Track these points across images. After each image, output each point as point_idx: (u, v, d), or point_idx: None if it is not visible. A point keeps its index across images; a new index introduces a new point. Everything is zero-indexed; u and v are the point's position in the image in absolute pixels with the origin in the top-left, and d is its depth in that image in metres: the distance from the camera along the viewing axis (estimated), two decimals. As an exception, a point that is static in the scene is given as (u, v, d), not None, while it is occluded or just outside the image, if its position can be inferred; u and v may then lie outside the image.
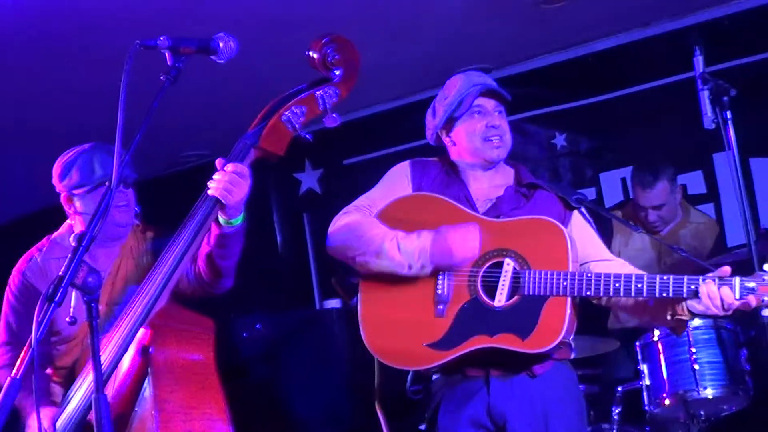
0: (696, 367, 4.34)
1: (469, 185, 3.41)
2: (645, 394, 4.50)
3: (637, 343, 4.58)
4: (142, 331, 3.00)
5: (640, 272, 3.16)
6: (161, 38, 2.68)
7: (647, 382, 4.51)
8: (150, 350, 3.11)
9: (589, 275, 3.07)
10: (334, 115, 2.98)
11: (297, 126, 2.94)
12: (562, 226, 3.17)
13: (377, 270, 3.21)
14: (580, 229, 3.36)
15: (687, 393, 4.35)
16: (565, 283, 3.05)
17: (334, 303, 6.70)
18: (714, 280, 2.96)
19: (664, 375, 4.43)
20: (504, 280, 3.12)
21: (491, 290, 3.14)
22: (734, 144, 3.85)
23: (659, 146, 5.99)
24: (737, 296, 2.93)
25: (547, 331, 3.07)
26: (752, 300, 2.93)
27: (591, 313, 3.56)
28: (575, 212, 3.38)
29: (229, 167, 2.92)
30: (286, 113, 2.94)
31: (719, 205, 6.01)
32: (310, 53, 2.99)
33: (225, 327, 6.31)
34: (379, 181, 3.53)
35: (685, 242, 5.36)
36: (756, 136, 5.13)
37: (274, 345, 6.17)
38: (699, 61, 3.99)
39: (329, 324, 6.42)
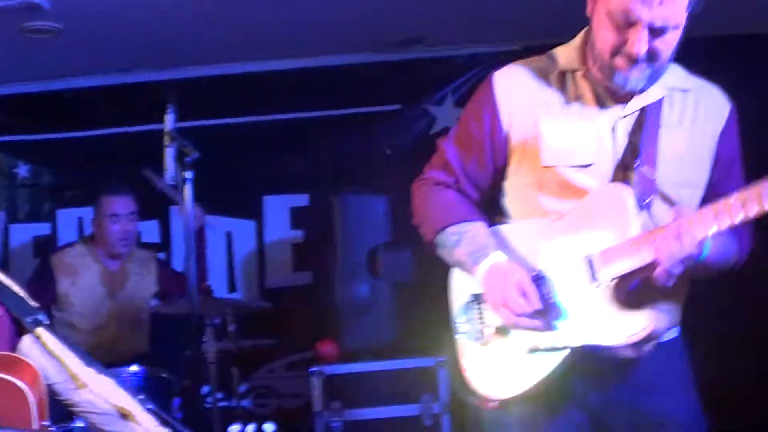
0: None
1: None
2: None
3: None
4: None
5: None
6: None
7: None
8: None
9: None
10: None
11: None
12: (22, 385, 2.91)
13: None
14: (39, 354, 3.12)
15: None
16: None
17: None
18: None
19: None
20: None
21: None
22: (191, 202, 4.04)
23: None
24: None
25: None
26: None
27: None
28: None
29: None
30: None
31: (170, 256, 6.25)
32: None
33: None
34: None
35: (135, 272, 5.51)
36: (212, 194, 5.39)
37: None
38: (170, 117, 4.11)
39: None
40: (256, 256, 6.30)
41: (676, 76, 2.71)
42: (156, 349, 5.39)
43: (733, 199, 2.39)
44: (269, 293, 6.17)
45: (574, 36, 2.80)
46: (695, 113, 2.70)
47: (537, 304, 2.59)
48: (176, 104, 4.22)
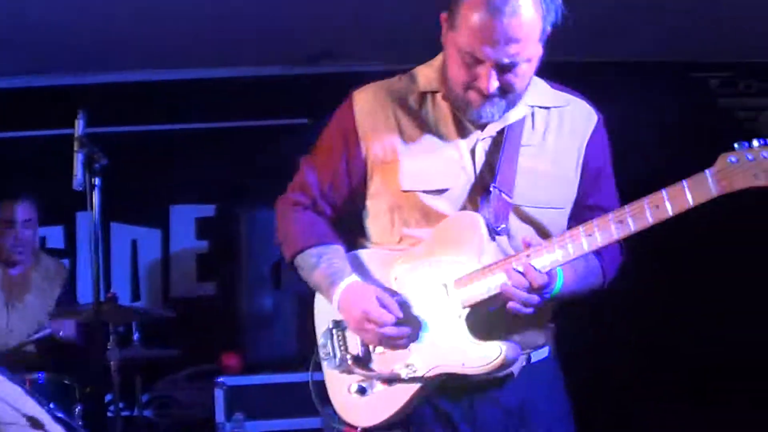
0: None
1: None
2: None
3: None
4: None
5: None
6: None
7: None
8: None
9: None
10: None
11: None
12: None
13: None
14: None
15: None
16: None
17: None
18: None
19: None
20: None
21: None
22: (98, 209, 4.02)
23: (27, 192, 5.99)
24: None
25: None
26: None
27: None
28: None
29: None
30: None
31: (75, 262, 6.18)
32: None
33: None
34: None
35: (37, 284, 5.42)
36: (119, 201, 5.34)
37: None
38: (80, 123, 4.09)
39: None
40: (161, 265, 6.28)
41: (539, 92, 2.64)
42: (59, 354, 5.32)
43: (580, 229, 2.39)
44: (173, 303, 6.15)
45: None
46: (559, 129, 2.64)
47: (398, 313, 2.55)
48: (86, 109, 4.19)
